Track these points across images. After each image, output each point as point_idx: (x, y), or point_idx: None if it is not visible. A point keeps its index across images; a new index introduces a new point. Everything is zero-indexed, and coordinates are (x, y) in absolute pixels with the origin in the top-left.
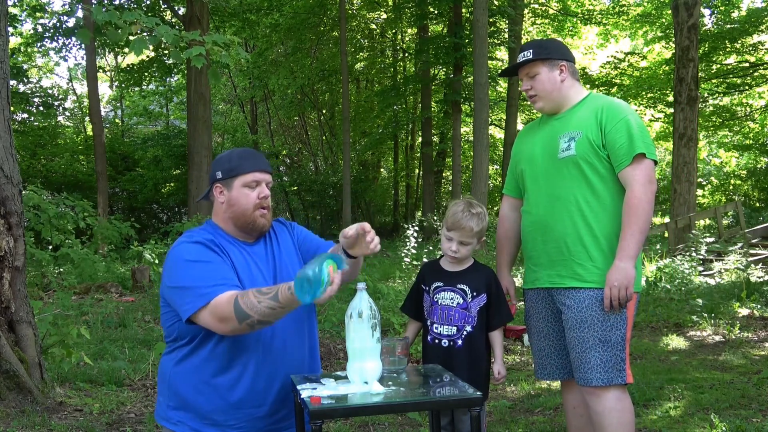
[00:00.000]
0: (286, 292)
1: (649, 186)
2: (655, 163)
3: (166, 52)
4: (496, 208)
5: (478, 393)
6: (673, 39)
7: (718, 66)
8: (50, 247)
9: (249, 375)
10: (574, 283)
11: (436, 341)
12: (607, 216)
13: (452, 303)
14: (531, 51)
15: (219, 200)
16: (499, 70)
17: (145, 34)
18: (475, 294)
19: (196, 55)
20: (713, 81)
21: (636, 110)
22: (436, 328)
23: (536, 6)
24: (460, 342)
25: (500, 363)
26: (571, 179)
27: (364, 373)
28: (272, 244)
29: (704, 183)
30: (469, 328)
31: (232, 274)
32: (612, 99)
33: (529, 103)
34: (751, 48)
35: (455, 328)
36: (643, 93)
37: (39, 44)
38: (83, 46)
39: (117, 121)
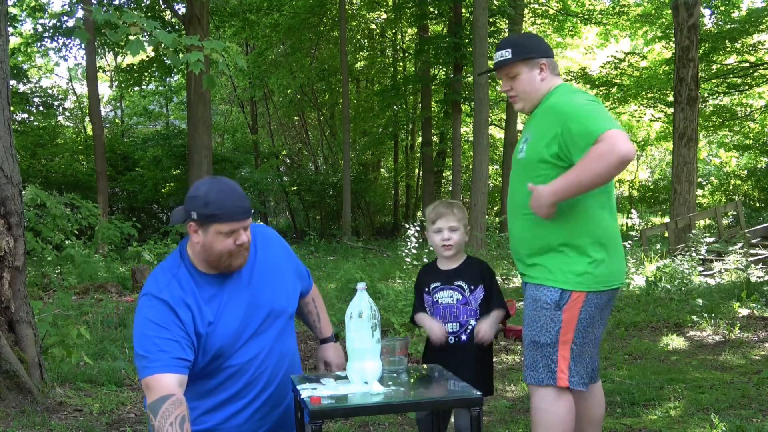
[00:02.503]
0: None
1: (620, 144)
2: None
3: (165, 54)
4: (496, 208)
5: (478, 393)
6: (673, 39)
7: (718, 66)
8: (50, 246)
9: (240, 412)
10: (523, 278)
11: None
12: (550, 222)
13: (452, 300)
14: (510, 50)
15: (193, 239)
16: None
17: (144, 35)
18: (472, 288)
19: (195, 60)
20: (713, 81)
21: (636, 110)
22: None
23: (536, 6)
24: (464, 337)
25: (486, 323)
26: (522, 182)
27: (364, 373)
28: (250, 269)
29: (704, 183)
30: (473, 322)
31: (180, 348)
32: (563, 94)
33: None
34: (751, 48)
35: (458, 324)
36: (643, 93)
37: (39, 44)
38: (83, 46)
39: (117, 121)
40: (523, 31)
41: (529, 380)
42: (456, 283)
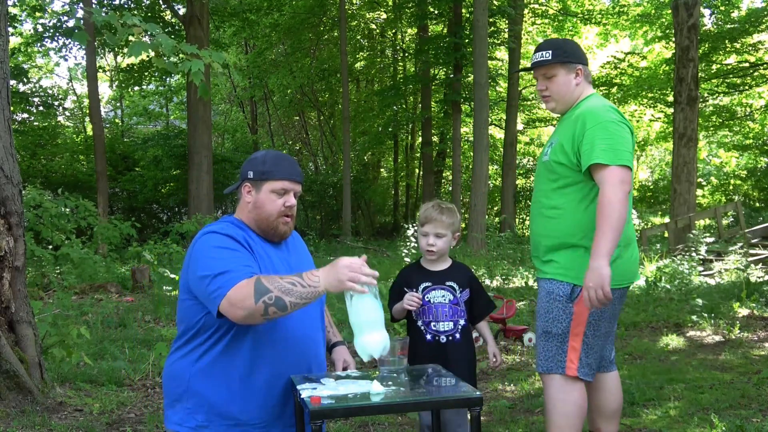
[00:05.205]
0: (312, 275)
1: (619, 186)
2: (627, 167)
3: (159, 64)
4: (496, 208)
5: (478, 393)
6: (673, 39)
7: (718, 66)
8: (50, 247)
9: (278, 368)
10: (538, 274)
11: (436, 338)
12: (567, 221)
13: (444, 300)
14: (550, 52)
15: (245, 199)
16: (499, 70)
17: (145, 37)
18: (461, 289)
19: (196, 71)
20: (713, 81)
21: (636, 110)
22: (434, 326)
23: (536, 6)
24: (458, 336)
25: (494, 346)
26: (543, 182)
27: (373, 346)
28: (292, 250)
29: (704, 183)
30: (462, 322)
31: (257, 267)
32: (594, 106)
33: (531, 102)
34: (751, 48)
35: (452, 323)
36: (643, 93)
37: (39, 44)
38: (83, 46)
39: (117, 121)
40: (523, 31)
41: (540, 369)
42: (447, 284)
